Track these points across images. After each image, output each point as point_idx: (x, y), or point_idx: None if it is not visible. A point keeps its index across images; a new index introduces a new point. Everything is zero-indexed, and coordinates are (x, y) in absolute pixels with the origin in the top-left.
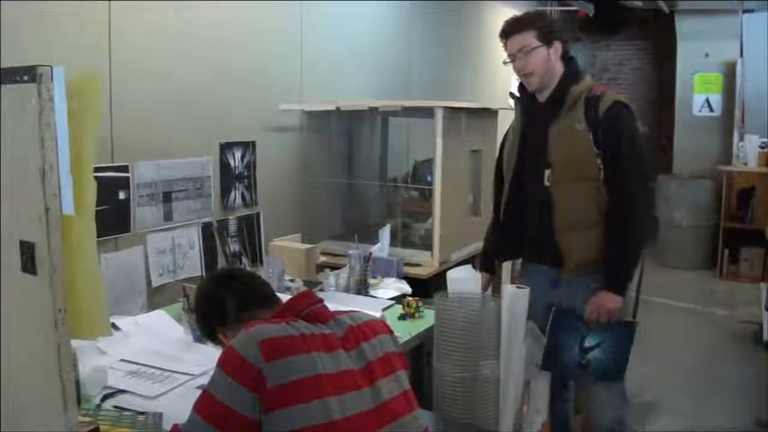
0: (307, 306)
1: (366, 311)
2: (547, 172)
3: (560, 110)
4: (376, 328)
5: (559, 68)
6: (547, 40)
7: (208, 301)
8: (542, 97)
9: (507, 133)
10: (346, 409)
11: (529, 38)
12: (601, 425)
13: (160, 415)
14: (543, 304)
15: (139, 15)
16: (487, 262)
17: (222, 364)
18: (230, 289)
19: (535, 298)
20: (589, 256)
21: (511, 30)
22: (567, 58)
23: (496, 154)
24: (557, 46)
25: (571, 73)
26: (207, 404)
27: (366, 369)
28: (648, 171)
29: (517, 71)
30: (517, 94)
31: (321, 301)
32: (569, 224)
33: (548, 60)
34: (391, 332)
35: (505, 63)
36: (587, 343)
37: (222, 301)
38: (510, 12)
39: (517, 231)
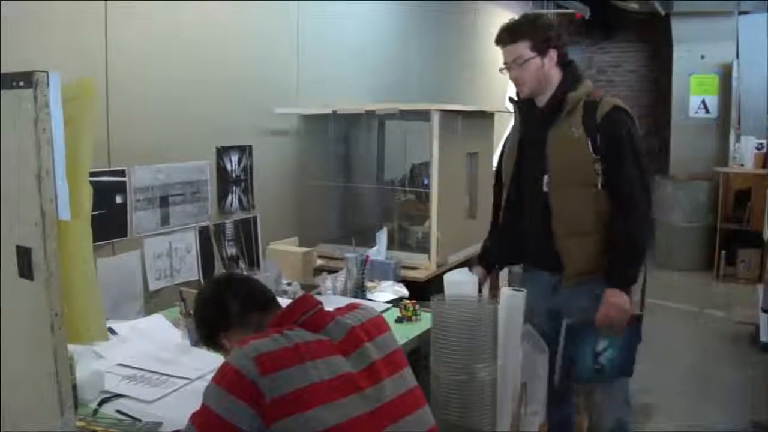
0: (303, 313)
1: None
2: (546, 178)
3: (558, 116)
4: (380, 325)
5: (555, 74)
6: (541, 49)
7: (210, 305)
8: (541, 102)
9: (507, 137)
10: (343, 413)
11: (523, 49)
12: (603, 427)
13: (159, 424)
14: (544, 309)
15: (135, 18)
16: (485, 261)
17: (219, 380)
18: (232, 292)
19: (535, 303)
20: (588, 263)
21: (505, 39)
22: (566, 63)
23: (497, 158)
24: (552, 55)
25: (569, 78)
26: (205, 419)
27: (367, 370)
28: (649, 174)
29: (512, 80)
30: (516, 98)
31: (317, 304)
32: (568, 231)
33: (542, 69)
34: (388, 328)
35: (501, 71)
36: (599, 347)
37: (225, 304)
38: (507, 14)
39: (517, 236)
